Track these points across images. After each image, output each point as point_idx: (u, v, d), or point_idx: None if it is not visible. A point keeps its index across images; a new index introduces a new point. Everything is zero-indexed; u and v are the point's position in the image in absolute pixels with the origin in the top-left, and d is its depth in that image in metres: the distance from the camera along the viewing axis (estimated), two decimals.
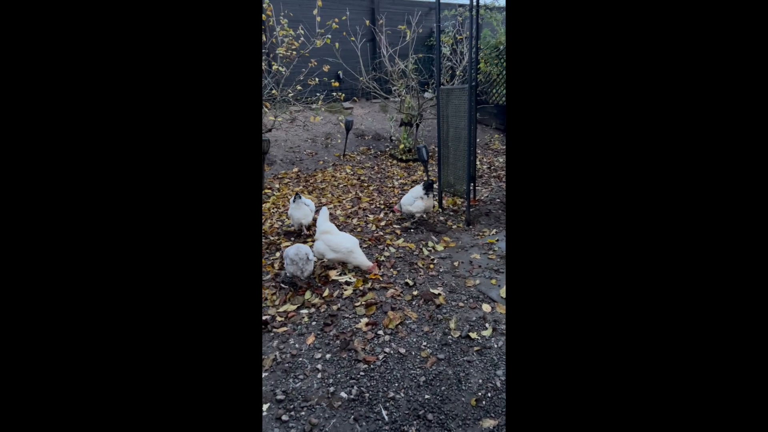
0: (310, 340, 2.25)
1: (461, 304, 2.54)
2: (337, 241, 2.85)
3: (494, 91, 7.91)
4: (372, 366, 2.04)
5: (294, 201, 3.54)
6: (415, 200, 3.81)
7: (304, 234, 3.69)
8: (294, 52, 5.11)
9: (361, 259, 2.86)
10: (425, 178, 4.75)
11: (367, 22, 7.46)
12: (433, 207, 3.96)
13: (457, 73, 6.53)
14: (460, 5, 7.87)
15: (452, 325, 2.32)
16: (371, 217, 4.07)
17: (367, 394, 1.86)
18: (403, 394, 1.85)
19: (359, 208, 4.35)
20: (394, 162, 6.35)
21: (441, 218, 4.00)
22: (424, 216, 3.99)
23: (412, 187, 4.75)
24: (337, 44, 5.80)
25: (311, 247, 3.01)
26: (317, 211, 3.82)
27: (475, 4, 3.52)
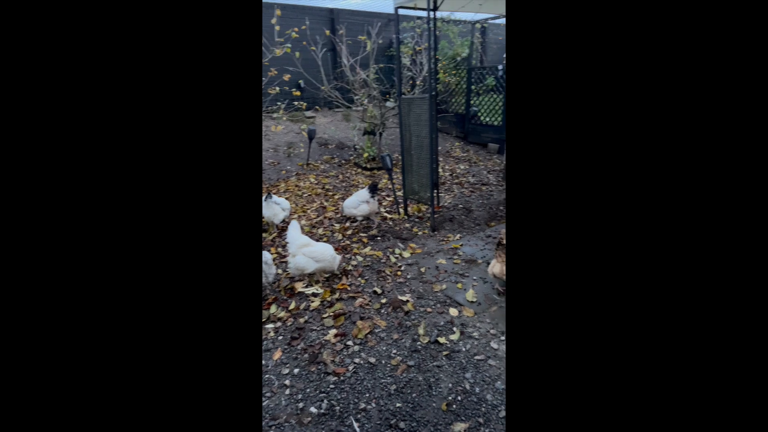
0: (277, 355, 2.18)
1: (429, 309, 2.57)
2: (320, 251, 2.80)
3: (454, 100, 8.15)
4: (342, 378, 2.00)
5: (265, 200, 3.57)
6: (359, 204, 3.81)
7: (269, 238, 3.59)
8: None
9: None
10: (390, 186, 4.79)
11: (327, 31, 7.46)
12: (377, 212, 4.01)
13: (418, 82, 6.67)
14: (419, 17, 8.07)
15: (421, 331, 2.34)
16: (337, 226, 4.04)
17: (338, 407, 1.82)
18: (374, 405, 1.83)
19: (324, 217, 4.30)
20: (359, 170, 6.35)
21: (407, 225, 4.03)
22: (365, 221, 4.02)
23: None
24: (297, 53, 5.76)
25: (284, 263, 2.93)
26: (285, 219, 3.75)
27: (432, 16, 3.63)
